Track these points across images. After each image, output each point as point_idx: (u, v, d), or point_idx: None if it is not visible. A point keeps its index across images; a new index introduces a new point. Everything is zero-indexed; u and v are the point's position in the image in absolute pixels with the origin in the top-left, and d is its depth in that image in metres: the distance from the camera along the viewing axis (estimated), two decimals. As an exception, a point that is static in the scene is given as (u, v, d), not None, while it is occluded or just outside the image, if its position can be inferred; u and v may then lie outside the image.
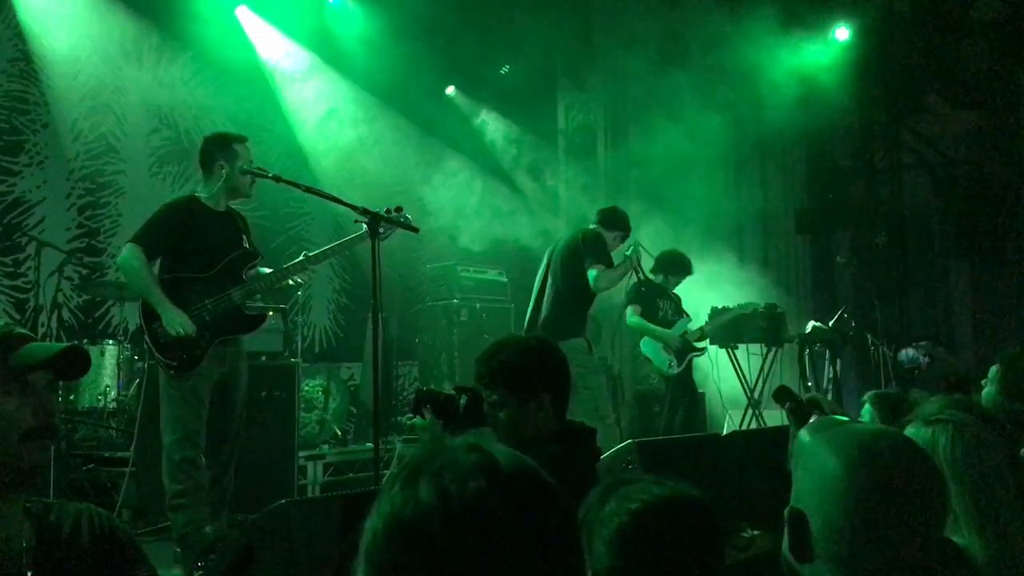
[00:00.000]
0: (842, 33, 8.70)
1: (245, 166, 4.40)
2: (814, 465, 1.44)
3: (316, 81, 8.47)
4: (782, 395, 4.97)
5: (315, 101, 8.48)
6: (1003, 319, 9.05)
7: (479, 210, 9.54)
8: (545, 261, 5.96)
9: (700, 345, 7.27)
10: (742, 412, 7.94)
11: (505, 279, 8.03)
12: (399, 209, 4.00)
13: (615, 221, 5.86)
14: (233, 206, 4.60)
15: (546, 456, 2.45)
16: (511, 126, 9.46)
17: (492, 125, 9.52)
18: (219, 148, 4.44)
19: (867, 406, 3.94)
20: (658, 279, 7.00)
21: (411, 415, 2.81)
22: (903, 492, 1.39)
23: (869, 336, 7.41)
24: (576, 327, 5.60)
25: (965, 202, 8.61)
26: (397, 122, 9.00)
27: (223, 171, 4.40)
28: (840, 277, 9.42)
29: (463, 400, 2.68)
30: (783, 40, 8.49)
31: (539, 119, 9.62)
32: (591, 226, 5.88)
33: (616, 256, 5.78)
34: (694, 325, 7.33)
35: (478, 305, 7.58)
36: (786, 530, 1.46)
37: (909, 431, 2.32)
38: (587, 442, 2.72)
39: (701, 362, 7.92)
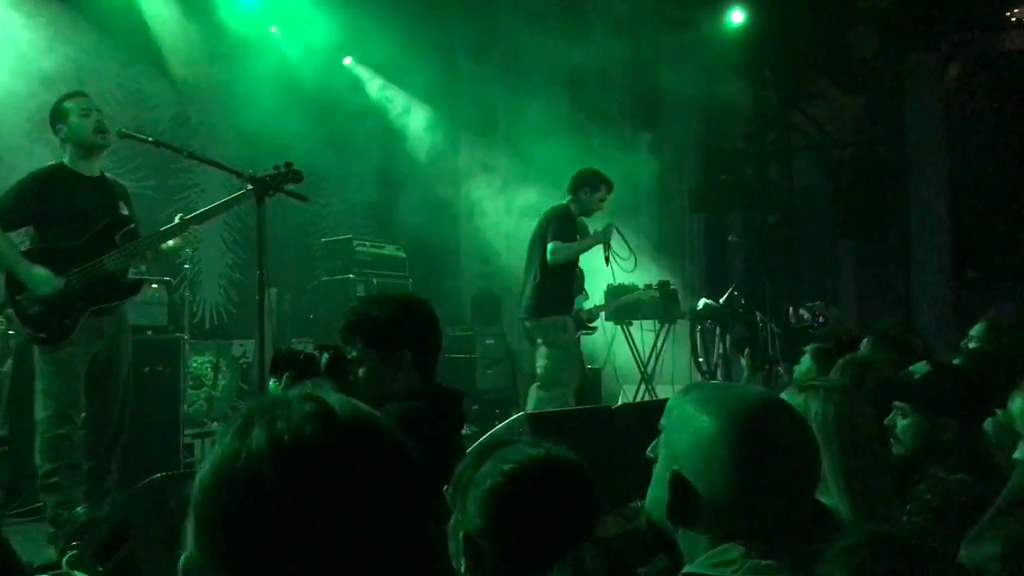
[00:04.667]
0: (737, 16, 8.86)
1: (83, 118, 4.22)
2: (692, 428, 1.42)
3: (206, 48, 8.17)
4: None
5: (207, 69, 8.18)
6: (886, 296, 9.44)
7: (377, 184, 9.42)
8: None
9: (593, 324, 7.38)
10: (635, 387, 8.09)
11: (403, 254, 7.95)
12: (288, 164, 3.85)
13: (579, 181, 6.08)
14: (110, 175, 4.43)
15: (399, 411, 2.43)
16: (410, 99, 9.34)
17: (391, 98, 9.39)
18: (53, 113, 4.33)
19: (805, 356, 4.05)
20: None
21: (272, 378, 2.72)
22: (782, 454, 1.39)
23: (758, 313, 7.61)
24: (556, 305, 5.89)
25: (852, 183, 8.92)
26: (293, 92, 8.77)
27: (63, 132, 4.27)
28: (732, 255, 9.65)
29: (324, 358, 2.61)
30: (680, 22, 8.60)
31: (439, 94, 9.53)
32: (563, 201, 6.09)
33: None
34: (590, 303, 7.43)
35: (375, 280, 7.48)
36: (662, 492, 1.44)
37: (784, 396, 2.39)
38: (450, 404, 2.68)
39: (596, 338, 8.04)
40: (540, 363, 5.93)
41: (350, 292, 7.37)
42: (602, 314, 7.59)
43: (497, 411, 7.78)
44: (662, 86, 9.36)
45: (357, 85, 9.29)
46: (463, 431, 3.04)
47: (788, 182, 9.09)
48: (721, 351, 7.75)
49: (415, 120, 9.48)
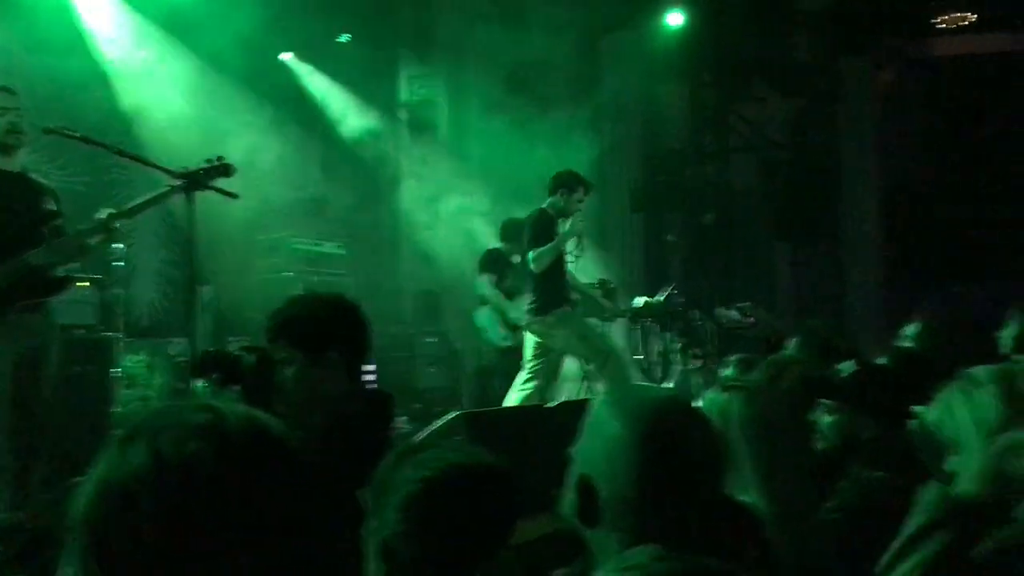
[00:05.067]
0: (675, 18, 8.94)
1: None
2: (603, 431, 1.45)
3: (141, 40, 8.00)
4: None
5: (139, 62, 8.01)
6: (820, 295, 9.65)
7: (316, 181, 9.31)
8: None
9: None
10: (576, 385, 8.12)
11: (343, 251, 7.88)
12: (220, 158, 3.77)
13: (556, 183, 6.18)
14: (36, 175, 4.33)
15: (331, 413, 2.42)
16: (351, 96, 9.26)
17: (331, 95, 9.30)
18: None
19: (729, 369, 4.11)
20: (504, 247, 7.11)
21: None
22: (684, 456, 1.41)
23: (696, 312, 7.71)
24: (553, 300, 6.03)
25: (786, 184, 9.10)
26: (228, 87, 8.64)
27: None
28: (670, 255, 9.77)
29: (251, 360, 2.57)
30: (619, 22, 8.66)
31: (380, 91, 9.46)
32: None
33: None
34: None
35: (314, 278, 7.40)
36: (574, 496, 1.46)
37: (708, 396, 2.43)
38: (380, 406, 2.68)
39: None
40: (573, 351, 6.24)
41: (288, 290, 7.26)
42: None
43: (437, 410, 7.75)
44: (603, 86, 9.42)
45: (298, 80, 9.18)
46: (400, 431, 3.04)
47: (725, 183, 9.22)
48: (660, 349, 7.83)
49: (356, 117, 9.40)
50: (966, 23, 9.39)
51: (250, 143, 8.44)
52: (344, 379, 2.62)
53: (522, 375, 6.20)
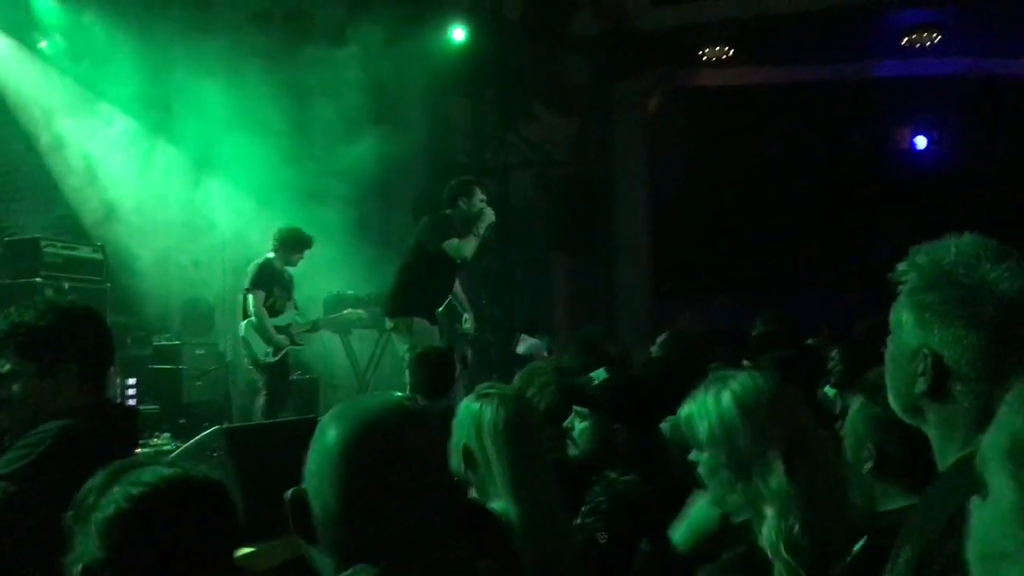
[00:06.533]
0: (458, 34, 9.02)
1: None
2: (316, 442, 1.38)
3: None
4: None
5: None
6: (593, 305, 10.05)
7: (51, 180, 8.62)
8: None
9: (304, 340, 7.27)
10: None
11: (100, 256, 7.31)
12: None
13: (454, 193, 6.15)
14: None
15: (58, 429, 2.24)
16: (103, 91, 8.62)
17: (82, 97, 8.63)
18: None
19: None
20: (275, 258, 6.87)
21: None
22: (393, 465, 1.34)
23: (475, 324, 7.78)
24: (404, 306, 6.06)
25: (562, 200, 9.42)
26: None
27: None
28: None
29: None
30: (403, 34, 8.63)
31: (144, 92, 8.87)
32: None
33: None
34: (306, 317, 7.29)
35: (67, 285, 6.82)
36: (288, 511, 1.38)
37: (463, 403, 2.43)
38: (120, 422, 2.50)
39: (315, 347, 7.91)
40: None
41: (37, 297, 6.67)
42: (317, 322, 7.49)
43: (205, 424, 7.38)
44: (387, 97, 9.35)
45: (48, 82, 8.47)
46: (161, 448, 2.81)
47: (505, 198, 9.40)
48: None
49: (119, 121, 8.77)
50: (726, 57, 10.11)
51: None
52: (80, 394, 2.42)
53: None
